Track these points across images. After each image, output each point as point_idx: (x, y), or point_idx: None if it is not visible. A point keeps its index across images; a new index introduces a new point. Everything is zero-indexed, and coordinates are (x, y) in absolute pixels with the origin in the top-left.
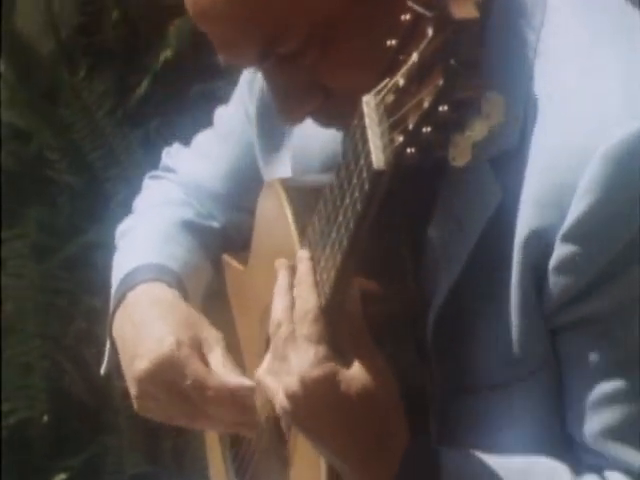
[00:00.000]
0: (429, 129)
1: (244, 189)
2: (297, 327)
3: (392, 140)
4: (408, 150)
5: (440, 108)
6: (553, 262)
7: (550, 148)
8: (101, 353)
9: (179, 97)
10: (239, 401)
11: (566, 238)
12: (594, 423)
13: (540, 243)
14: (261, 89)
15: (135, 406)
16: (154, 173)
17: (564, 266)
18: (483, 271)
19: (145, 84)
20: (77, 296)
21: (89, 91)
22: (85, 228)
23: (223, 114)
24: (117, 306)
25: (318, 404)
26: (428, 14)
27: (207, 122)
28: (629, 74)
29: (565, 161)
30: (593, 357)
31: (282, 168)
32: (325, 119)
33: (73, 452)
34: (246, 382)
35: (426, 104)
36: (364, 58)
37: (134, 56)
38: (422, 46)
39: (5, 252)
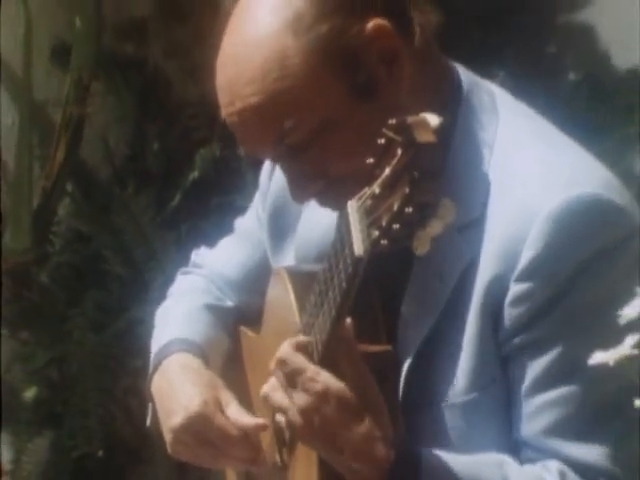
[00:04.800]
0: (398, 226)
1: (255, 277)
2: (302, 365)
3: (369, 234)
4: (382, 241)
5: (406, 210)
6: (508, 299)
7: (506, 215)
8: (143, 403)
9: (204, 208)
10: (253, 441)
11: (518, 279)
12: (536, 424)
13: (499, 286)
14: (272, 200)
15: (169, 450)
16: (185, 269)
17: (516, 301)
18: (454, 312)
19: (178, 198)
20: (124, 359)
21: (135, 204)
22: (130, 307)
23: (240, 221)
24: (154, 371)
25: (327, 418)
26: (397, 138)
27: (225, 226)
28: (564, 160)
29: (517, 223)
30: (535, 372)
31: (288, 256)
32: (326, 201)
33: (122, 479)
34: (260, 421)
35: (395, 207)
36: (358, 153)
37: (169, 177)
38: (393, 162)
39: (70, 326)
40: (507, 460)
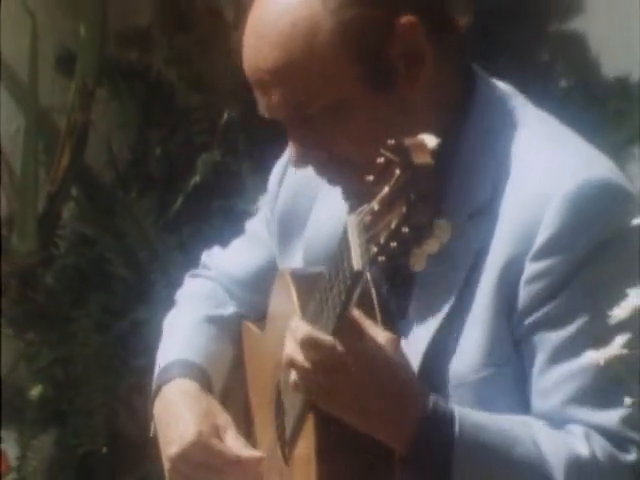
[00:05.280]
0: (395, 244)
1: (263, 277)
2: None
3: (368, 250)
4: (379, 258)
5: (403, 229)
6: (524, 278)
7: (519, 200)
8: (146, 401)
9: (205, 211)
10: (249, 468)
11: (533, 259)
12: (557, 396)
13: (514, 268)
14: (282, 204)
15: (167, 476)
16: (193, 272)
17: (534, 278)
18: (468, 297)
19: (180, 201)
20: (128, 358)
21: (138, 207)
22: (134, 308)
23: (250, 223)
24: (156, 393)
25: (353, 381)
26: (396, 159)
27: (225, 230)
28: (574, 150)
29: (532, 207)
30: (554, 345)
31: (296, 257)
32: (322, 173)
33: (126, 475)
34: (256, 453)
35: (393, 225)
36: (364, 139)
37: (172, 181)
38: (391, 182)
39: (75, 326)
40: (533, 421)
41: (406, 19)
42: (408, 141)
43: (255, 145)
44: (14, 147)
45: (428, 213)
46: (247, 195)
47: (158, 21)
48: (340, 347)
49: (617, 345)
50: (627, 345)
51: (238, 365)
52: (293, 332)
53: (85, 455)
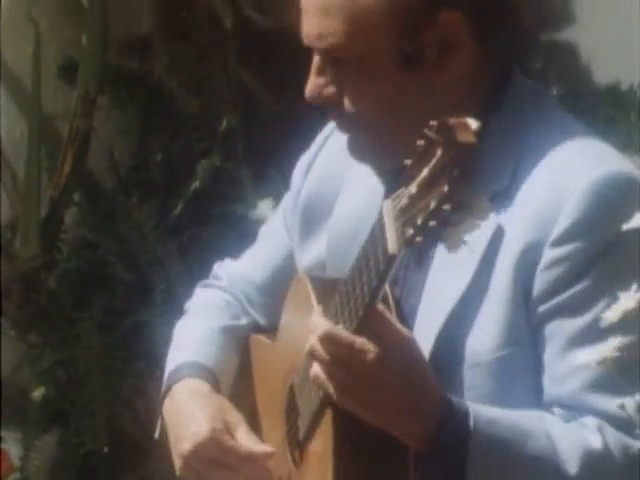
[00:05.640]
0: (434, 223)
1: (279, 276)
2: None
3: (404, 233)
4: (416, 239)
5: (444, 207)
6: (542, 265)
7: (540, 187)
8: (147, 402)
9: (205, 216)
10: (261, 464)
11: (553, 245)
12: (573, 382)
13: (532, 254)
14: (306, 195)
15: (178, 474)
16: (204, 282)
17: (552, 264)
18: (485, 278)
19: (180, 207)
20: (130, 360)
21: (139, 212)
22: (135, 311)
23: (264, 227)
24: (167, 392)
25: (371, 380)
26: (439, 138)
27: (225, 234)
28: (596, 145)
29: (553, 195)
30: (571, 331)
31: (318, 243)
32: (329, 114)
33: (127, 474)
34: (268, 448)
35: (432, 205)
36: (376, 105)
37: (172, 187)
38: (432, 162)
39: (77, 328)
40: (546, 415)
41: (450, 13)
42: (452, 120)
43: (254, 151)
44: (18, 153)
45: (471, 191)
46: (246, 200)
47: (158, 30)
48: (359, 344)
49: (611, 347)
50: (619, 348)
51: (244, 377)
52: (314, 327)
53: (87, 455)
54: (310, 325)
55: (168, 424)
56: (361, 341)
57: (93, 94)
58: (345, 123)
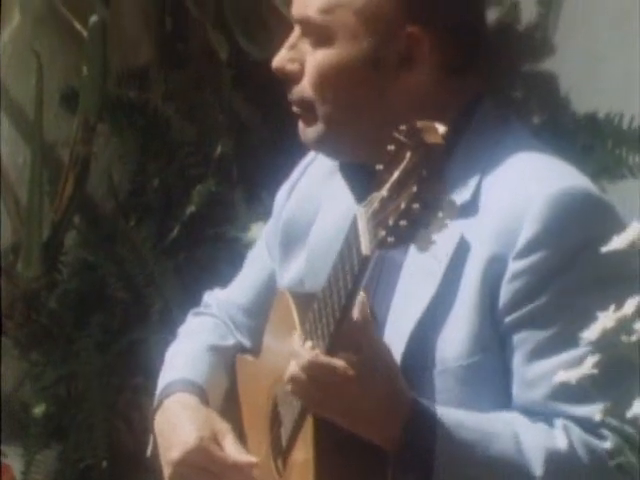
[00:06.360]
0: (404, 222)
1: (264, 297)
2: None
3: (376, 234)
4: (388, 239)
5: (413, 206)
6: (507, 276)
7: (502, 200)
8: (143, 416)
9: (200, 238)
10: (246, 473)
11: (516, 258)
12: (539, 389)
13: (497, 265)
14: (288, 214)
15: None
16: (196, 310)
17: (516, 276)
18: (452, 286)
19: (176, 229)
20: (126, 376)
21: (137, 235)
22: (132, 329)
23: (250, 252)
24: (158, 407)
25: (343, 390)
26: (407, 142)
27: (218, 255)
28: (557, 163)
29: (514, 207)
30: (536, 341)
31: (299, 259)
32: (296, 109)
33: None
34: (252, 459)
35: (403, 205)
36: (334, 86)
37: (168, 210)
38: (402, 165)
39: (77, 346)
40: (515, 416)
41: (416, 30)
42: (420, 123)
43: (247, 176)
44: (21, 178)
45: (438, 190)
46: (239, 223)
47: (156, 60)
48: (341, 369)
49: (588, 366)
50: (596, 365)
51: (232, 394)
52: (296, 355)
53: (86, 469)
54: (291, 351)
55: (158, 435)
56: (342, 365)
57: (93, 122)
58: (305, 114)
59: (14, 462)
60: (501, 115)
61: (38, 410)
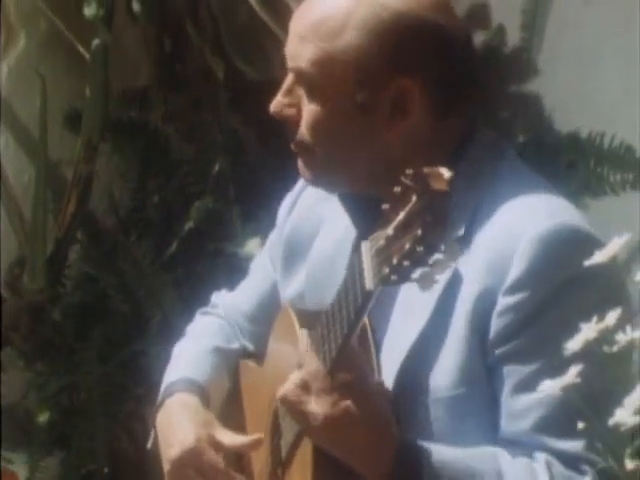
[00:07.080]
0: (407, 263)
1: (267, 305)
2: (312, 382)
3: (380, 271)
4: (392, 277)
5: (417, 248)
6: (496, 311)
7: (493, 236)
8: (144, 425)
9: (198, 253)
10: (241, 466)
11: (505, 294)
12: (523, 422)
13: (488, 300)
14: (289, 230)
15: (166, 478)
16: (203, 310)
17: (504, 312)
18: (442, 319)
19: (175, 244)
20: (128, 386)
21: (137, 249)
22: (133, 341)
23: (254, 262)
24: (160, 405)
25: (339, 422)
26: (415, 186)
27: (216, 270)
28: (547, 198)
29: (504, 243)
30: (521, 375)
31: (299, 275)
32: (294, 147)
33: None
34: (254, 436)
35: (407, 246)
36: (326, 133)
37: (168, 226)
38: (408, 208)
39: (79, 357)
40: (499, 451)
41: (407, 82)
42: (426, 170)
43: (244, 193)
44: (26, 195)
45: (442, 235)
46: (237, 239)
47: (156, 82)
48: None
49: (572, 374)
50: (580, 375)
51: (233, 397)
52: (293, 380)
53: (88, 475)
54: (292, 376)
55: (159, 433)
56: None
57: (95, 141)
58: (303, 153)
59: (19, 468)
60: (496, 146)
61: (42, 418)
